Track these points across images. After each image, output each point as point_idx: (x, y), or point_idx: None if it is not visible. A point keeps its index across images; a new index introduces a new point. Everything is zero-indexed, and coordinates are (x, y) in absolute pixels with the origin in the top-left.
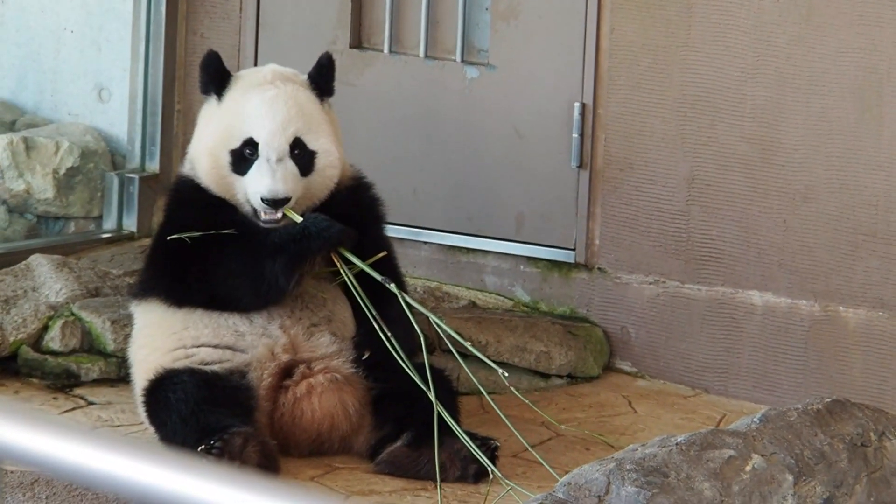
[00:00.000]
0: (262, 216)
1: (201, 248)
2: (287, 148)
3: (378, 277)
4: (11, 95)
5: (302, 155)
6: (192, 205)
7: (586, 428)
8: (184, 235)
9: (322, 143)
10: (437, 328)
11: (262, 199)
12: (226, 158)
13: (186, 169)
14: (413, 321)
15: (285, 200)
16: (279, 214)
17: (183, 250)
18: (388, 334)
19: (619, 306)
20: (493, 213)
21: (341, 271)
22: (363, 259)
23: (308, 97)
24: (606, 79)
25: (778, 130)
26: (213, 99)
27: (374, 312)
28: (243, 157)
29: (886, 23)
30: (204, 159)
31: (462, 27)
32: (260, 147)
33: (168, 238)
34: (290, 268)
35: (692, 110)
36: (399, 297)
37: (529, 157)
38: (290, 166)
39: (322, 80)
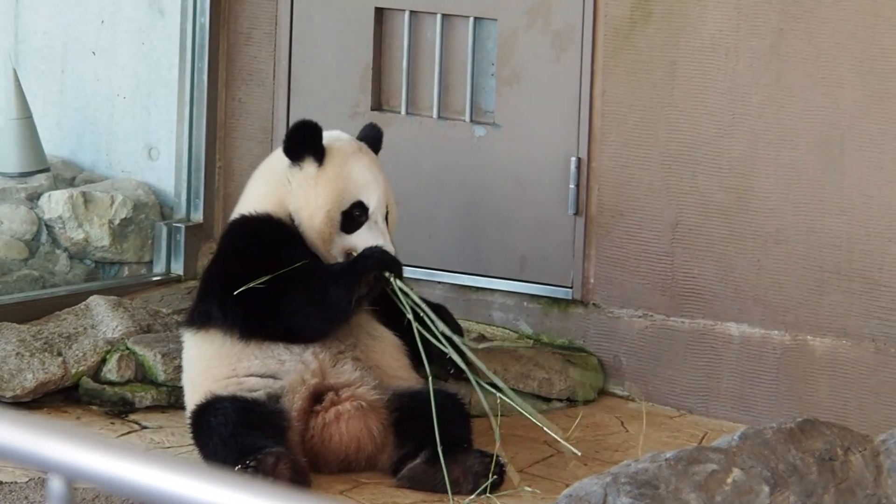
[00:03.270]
0: None
1: (273, 284)
2: (385, 211)
3: (425, 307)
4: (71, 154)
5: (388, 215)
6: (273, 242)
7: (585, 446)
8: (256, 283)
9: (393, 205)
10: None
11: None
12: (338, 218)
13: (263, 209)
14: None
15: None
16: None
17: (255, 288)
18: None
19: (611, 337)
20: (499, 255)
21: (394, 295)
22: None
23: (380, 164)
24: (599, 135)
25: (752, 180)
26: (310, 164)
27: (421, 336)
28: (352, 217)
29: (847, 84)
30: (320, 216)
31: (470, 91)
32: (370, 210)
33: (242, 287)
34: (350, 289)
35: (676, 163)
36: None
37: (531, 205)
38: (386, 226)
39: (377, 146)
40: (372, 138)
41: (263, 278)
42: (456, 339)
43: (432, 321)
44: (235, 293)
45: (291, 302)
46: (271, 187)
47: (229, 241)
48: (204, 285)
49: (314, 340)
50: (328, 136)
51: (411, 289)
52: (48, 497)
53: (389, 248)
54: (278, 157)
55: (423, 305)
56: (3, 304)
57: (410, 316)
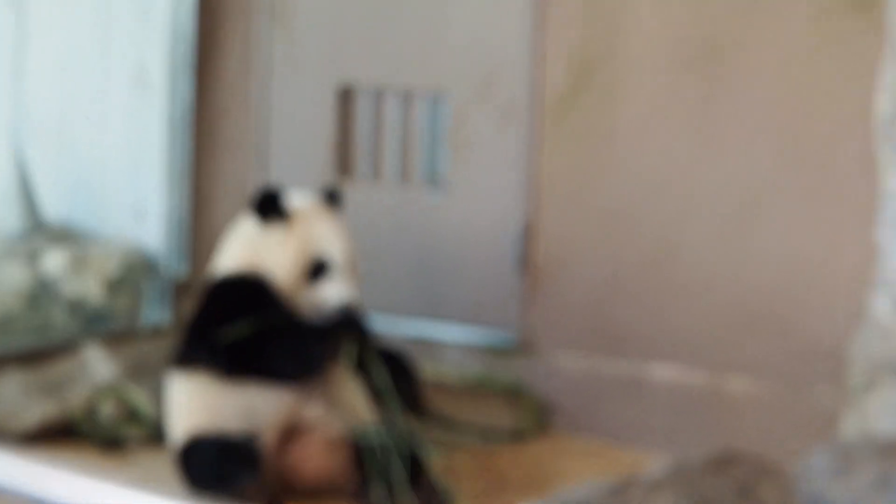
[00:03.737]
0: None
1: (257, 332)
2: (349, 264)
3: (383, 375)
4: (68, 217)
5: (351, 267)
6: (251, 297)
7: (530, 477)
8: (242, 329)
9: (356, 258)
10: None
11: (343, 304)
12: (303, 272)
13: (239, 268)
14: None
15: (356, 305)
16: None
17: (239, 335)
18: (394, 404)
19: (553, 379)
20: (453, 304)
21: (366, 356)
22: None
23: (342, 221)
24: (543, 197)
25: (682, 235)
26: (277, 226)
27: (389, 389)
28: (318, 272)
29: (767, 149)
30: (286, 272)
31: (426, 159)
32: (334, 265)
33: (230, 333)
34: (326, 349)
35: (613, 221)
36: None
37: (481, 260)
38: (351, 279)
39: (338, 203)
40: (332, 198)
41: (247, 328)
42: (387, 394)
43: (379, 377)
44: (222, 339)
45: (274, 352)
46: (244, 248)
47: (213, 296)
48: (190, 331)
49: (288, 384)
50: (292, 198)
51: (375, 343)
52: None
53: (353, 298)
54: (249, 220)
55: (382, 366)
56: (9, 352)
57: (373, 374)
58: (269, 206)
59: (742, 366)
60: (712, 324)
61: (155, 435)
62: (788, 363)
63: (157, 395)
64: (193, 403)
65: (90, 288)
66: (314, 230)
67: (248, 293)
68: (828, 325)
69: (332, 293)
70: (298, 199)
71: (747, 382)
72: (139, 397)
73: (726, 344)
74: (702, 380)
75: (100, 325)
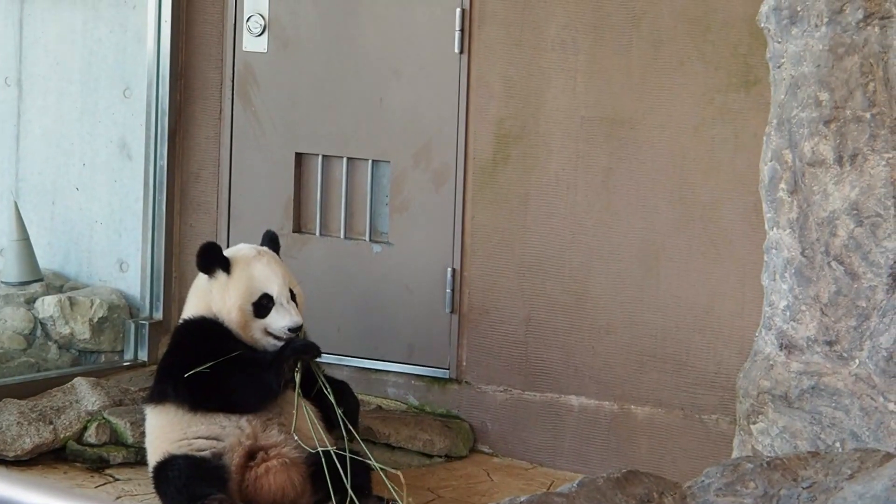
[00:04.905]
0: (283, 340)
1: (216, 369)
2: (289, 294)
3: (326, 385)
4: (60, 267)
5: (293, 297)
6: (208, 337)
7: (459, 492)
8: (201, 368)
9: (297, 288)
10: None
11: (288, 329)
12: (250, 309)
13: (198, 314)
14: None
15: (300, 326)
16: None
17: (199, 375)
18: (343, 418)
19: (479, 407)
20: (392, 344)
21: (316, 376)
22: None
23: (279, 259)
24: (469, 251)
25: (587, 285)
26: (220, 275)
27: (334, 402)
28: (262, 305)
29: (661, 210)
30: (234, 312)
31: (369, 217)
32: (275, 297)
33: (190, 371)
34: (278, 375)
35: (528, 272)
36: (339, 414)
37: (417, 305)
38: (293, 305)
39: (276, 248)
40: (270, 240)
41: (207, 364)
42: (338, 411)
43: (329, 396)
44: (185, 376)
45: (232, 384)
46: (200, 297)
47: (177, 339)
48: (160, 371)
49: (249, 413)
50: (232, 249)
51: (322, 370)
52: None
53: (297, 321)
54: (201, 276)
55: (326, 384)
56: (6, 384)
57: (327, 392)
58: (209, 260)
59: (643, 396)
60: (616, 360)
61: (136, 457)
62: (683, 393)
63: (138, 422)
64: (165, 431)
65: (79, 329)
66: (254, 271)
67: (205, 333)
68: (715, 361)
69: (278, 321)
70: (239, 249)
71: (648, 411)
72: (122, 424)
73: (629, 378)
74: (608, 408)
75: (87, 360)
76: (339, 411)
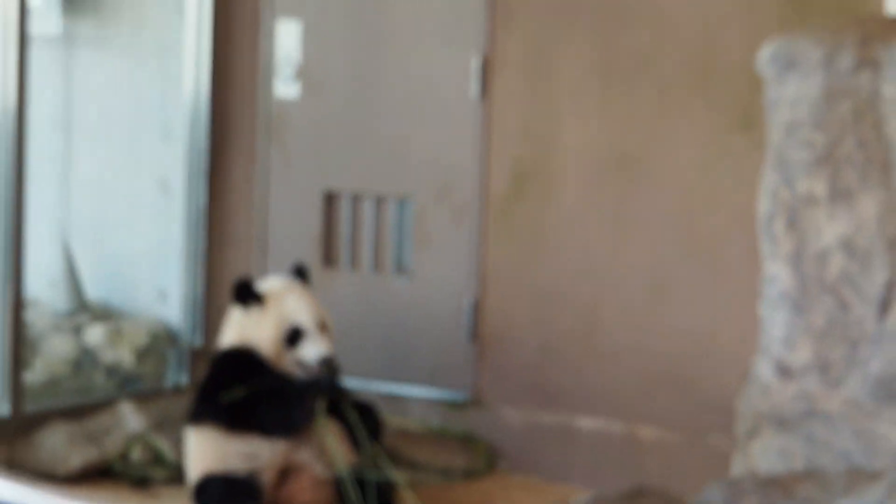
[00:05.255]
0: (314, 370)
1: (249, 396)
2: (319, 325)
3: (355, 418)
4: (106, 299)
5: (323, 327)
6: (244, 365)
7: None
8: (237, 392)
9: (327, 318)
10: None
11: (319, 359)
12: (282, 340)
13: (234, 344)
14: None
15: (331, 357)
16: (322, 368)
17: (234, 399)
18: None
19: (497, 428)
20: (416, 369)
21: (342, 408)
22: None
23: (309, 291)
24: (487, 283)
25: (599, 314)
26: (254, 308)
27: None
28: (294, 337)
29: (668, 243)
30: (268, 343)
31: (394, 251)
32: (305, 328)
33: (228, 395)
34: (309, 407)
35: (542, 302)
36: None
37: (440, 333)
38: (323, 336)
39: (306, 279)
40: (299, 272)
41: (241, 391)
42: (361, 438)
43: (354, 426)
44: (224, 400)
45: (266, 410)
46: (236, 328)
47: (215, 367)
48: (199, 394)
49: (278, 436)
50: (265, 283)
51: (349, 396)
52: None
53: (326, 352)
54: (236, 308)
55: (351, 415)
56: (57, 408)
57: (352, 424)
58: (243, 294)
59: (651, 417)
60: (627, 383)
61: (176, 476)
62: (688, 415)
63: (178, 442)
64: (205, 451)
65: (124, 355)
66: (285, 305)
67: (242, 362)
68: (719, 385)
69: (310, 352)
70: (271, 283)
71: (655, 431)
72: (164, 445)
73: (638, 400)
74: (618, 429)
75: (131, 385)
76: (359, 432)
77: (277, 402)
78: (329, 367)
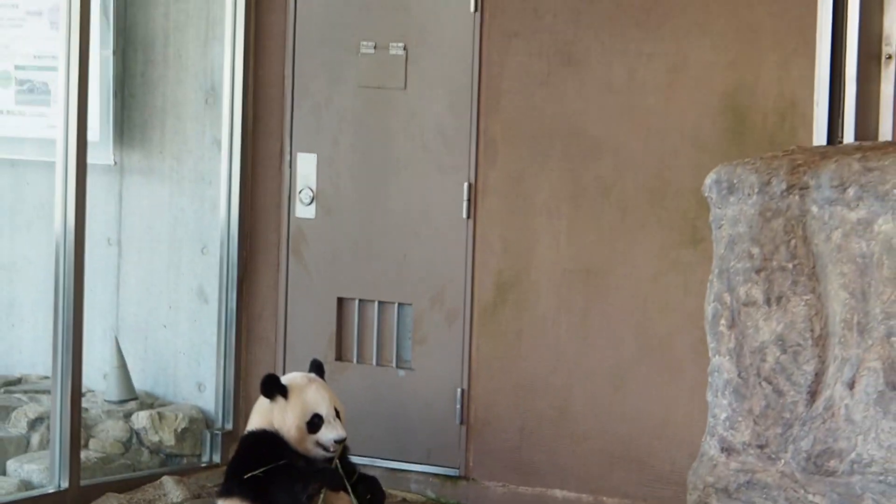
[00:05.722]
0: (331, 450)
1: (267, 473)
2: (335, 412)
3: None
4: (151, 388)
5: (338, 414)
6: (266, 446)
7: None
8: (256, 473)
9: (341, 406)
10: None
11: (335, 441)
12: (304, 426)
13: (260, 427)
14: None
15: (345, 438)
16: (337, 448)
17: (256, 476)
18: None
19: (483, 499)
20: (414, 448)
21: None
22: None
23: (325, 384)
24: (475, 374)
25: (569, 401)
26: (280, 400)
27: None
28: (314, 423)
29: (627, 342)
30: (293, 429)
31: (396, 348)
32: (324, 416)
33: (248, 475)
34: (305, 487)
35: (522, 392)
36: None
37: (434, 417)
38: (338, 422)
39: (322, 373)
40: (317, 368)
41: (261, 469)
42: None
43: (361, 498)
44: (245, 477)
45: (273, 489)
46: (263, 415)
47: (242, 447)
48: (227, 472)
49: None
50: (288, 378)
51: (356, 471)
52: None
53: (342, 435)
54: (262, 398)
55: (362, 489)
56: (109, 482)
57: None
58: (270, 388)
59: (614, 490)
60: (593, 460)
61: None
62: (646, 488)
63: None
64: None
65: (166, 437)
66: (306, 396)
67: (265, 442)
68: (672, 461)
69: (328, 435)
70: (293, 377)
71: (617, 502)
72: None
73: (603, 474)
74: (586, 500)
75: (173, 462)
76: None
77: (287, 483)
78: (342, 446)
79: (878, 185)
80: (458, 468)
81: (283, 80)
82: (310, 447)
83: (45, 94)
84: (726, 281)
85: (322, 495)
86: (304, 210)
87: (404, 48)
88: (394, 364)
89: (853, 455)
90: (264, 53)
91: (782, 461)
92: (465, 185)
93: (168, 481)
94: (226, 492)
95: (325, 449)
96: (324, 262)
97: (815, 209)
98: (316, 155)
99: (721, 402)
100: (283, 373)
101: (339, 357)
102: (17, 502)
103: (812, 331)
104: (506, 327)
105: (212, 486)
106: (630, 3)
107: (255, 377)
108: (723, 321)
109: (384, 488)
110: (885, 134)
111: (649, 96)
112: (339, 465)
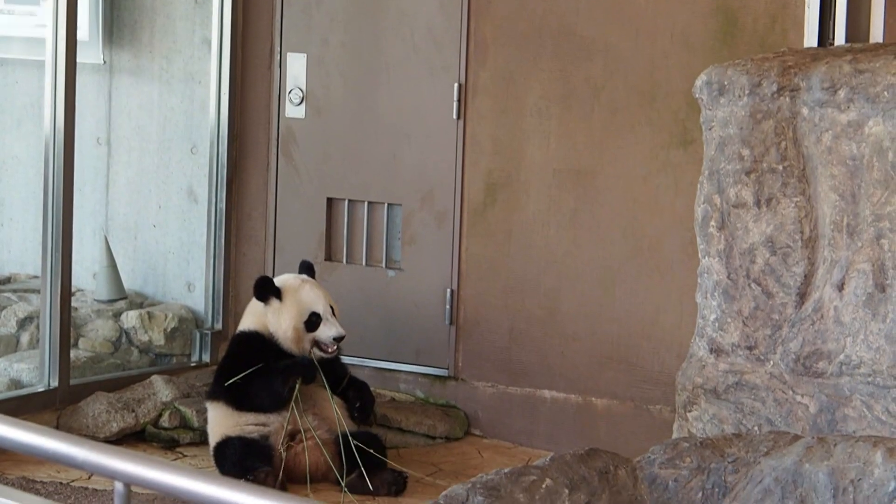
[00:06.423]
0: (329, 350)
1: (246, 378)
2: (331, 310)
3: (328, 390)
4: (140, 288)
5: (334, 312)
6: (255, 348)
7: (456, 466)
8: (235, 379)
9: (335, 305)
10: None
11: (334, 338)
12: (303, 326)
13: (251, 328)
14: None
15: (343, 336)
16: (335, 346)
17: (241, 380)
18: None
19: (472, 399)
20: (404, 349)
21: (322, 383)
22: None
23: (319, 284)
24: (464, 275)
25: (558, 302)
26: (274, 301)
27: (336, 400)
28: (312, 322)
29: (617, 243)
30: (290, 330)
31: (385, 249)
32: (321, 314)
33: (231, 379)
34: (284, 383)
35: (511, 291)
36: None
37: (423, 318)
38: (335, 319)
39: (312, 274)
40: (307, 269)
41: (240, 375)
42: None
43: (351, 397)
44: (227, 383)
45: (253, 390)
46: (256, 317)
47: (232, 348)
48: (216, 374)
49: (270, 412)
50: (281, 280)
51: (346, 373)
52: (115, 497)
53: (341, 332)
54: (255, 300)
55: (326, 385)
56: (98, 381)
57: (331, 396)
58: (264, 290)
59: (603, 390)
60: (581, 362)
61: (201, 438)
62: (635, 389)
63: (202, 410)
64: (221, 421)
65: (156, 337)
66: (302, 296)
67: (254, 345)
68: (659, 362)
69: (327, 332)
70: (286, 279)
71: (606, 402)
72: (189, 412)
73: (592, 375)
74: (574, 400)
75: (162, 362)
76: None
77: (266, 381)
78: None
79: (868, 87)
80: (448, 368)
81: None
82: (307, 347)
83: None
84: (716, 182)
85: (297, 387)
86: (293, 110)
87: None
88: (383, 264)
89: (842, 356)
90: None
91: (771, 362)
92: (456, 85)
93: (157, 380)
94: (212, 394)
95: (324, 349)
96: (313, 163)
97: (805, 111)
98: (306, 55)
99: (710, 303)
100: (274, 273)
101: (329, 257)
102: (7, 401)
103: (802, 233)
104: (495, 228)
105: (201, 385)
106: None
107: (244, 277)
108: (712, 223)
109: (373, 388)
110: (876, 36)
111: None
112: (315, 361)
